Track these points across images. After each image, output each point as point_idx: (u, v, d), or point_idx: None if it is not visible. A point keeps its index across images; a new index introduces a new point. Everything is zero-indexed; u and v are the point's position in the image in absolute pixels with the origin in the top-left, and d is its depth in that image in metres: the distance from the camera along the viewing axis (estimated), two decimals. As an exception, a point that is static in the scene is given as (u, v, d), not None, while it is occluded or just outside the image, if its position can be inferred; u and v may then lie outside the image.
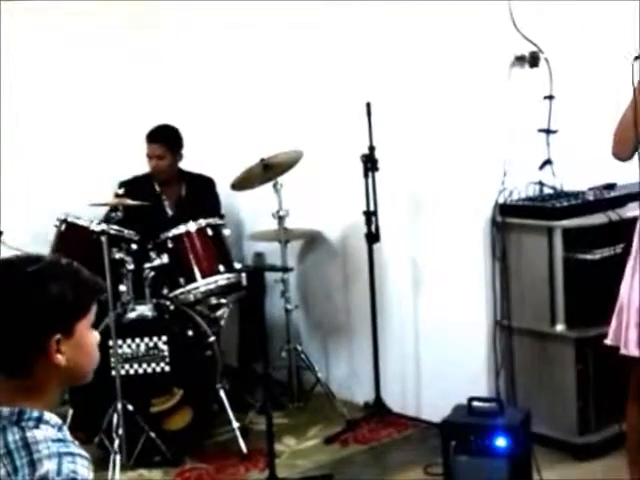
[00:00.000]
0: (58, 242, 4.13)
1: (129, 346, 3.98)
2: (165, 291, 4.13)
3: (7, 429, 1.55)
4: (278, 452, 3.88)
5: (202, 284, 4.11)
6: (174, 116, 4.71)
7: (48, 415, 1.58)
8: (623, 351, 3.06)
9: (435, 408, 3.83)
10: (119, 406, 3.83)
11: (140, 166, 4.62)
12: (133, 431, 3.88)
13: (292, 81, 4.64)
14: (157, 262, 4.08)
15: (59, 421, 1.59)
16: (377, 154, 4.09)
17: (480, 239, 4.00)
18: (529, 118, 3.99)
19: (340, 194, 4.47)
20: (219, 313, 4.38)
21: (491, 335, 4.03)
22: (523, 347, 3.98)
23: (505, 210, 3.95)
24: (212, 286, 4.13)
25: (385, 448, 4.09)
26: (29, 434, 1.54)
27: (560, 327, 3.86)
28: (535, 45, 3.97)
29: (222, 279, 4.12)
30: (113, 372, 3.86)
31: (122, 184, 4.34)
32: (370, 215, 4.14)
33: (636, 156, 3.04)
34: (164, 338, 3.98)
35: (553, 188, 4.03)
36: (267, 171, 4.25)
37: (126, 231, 4.12)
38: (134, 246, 4.12)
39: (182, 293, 4.11)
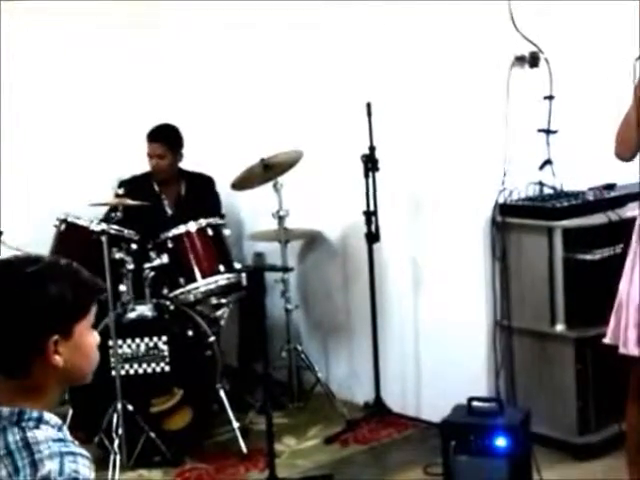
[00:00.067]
0: (58, 242, 4.13)
1: (129, 346, 3.98)
2: (165, 291, 4.13)
3: (7, 429, 1.55)
4: (278, 452, 3.88)
5: (202, 284, 4.11)
6: (174, 116, 4.71)
7: (48, 415, 1.58)
8: (622, 350, 3.06)
9: (435, 408, 3.83)
10: (119, 406, 3.83)
11: (140, 166, 4.62)
12: (133, 431, 3.88)
13: (292, 81, 4.64)
14: (157, 262, 4.08)
15: (59, 421, 1.59)
16: (377, 154, 4.09)
17: (480, 239, 4.01)
18: (529, 118, 3.99)
19: (340, 194, 4.47)
20: (219, 313, 4.38)
21: (491, 335, 4.03)
22: (523, 347, 3.98)
23: (505, 210, 3.96)
24: (212, 286, 4.13)
25: (385, 448, 4.09)
26: (30, 434, 1.54)
27: (560, 327, 3.86)
28: (535, 45, 3.97)
29: (222, 279, 4.13)
30: (113, 372, 3.86)
31: (122, 183, 4.34)
32: (370, 215, 4.14)
33: (637, 156, 3.05)
34: (164, 338, 3.99)
35: (553, 188, 4.04)
36: (267, 171, 4.25)
37: (126, 231, 4.11)
38: (134, 246, 4.11)
39: (182, 293, 4.11)
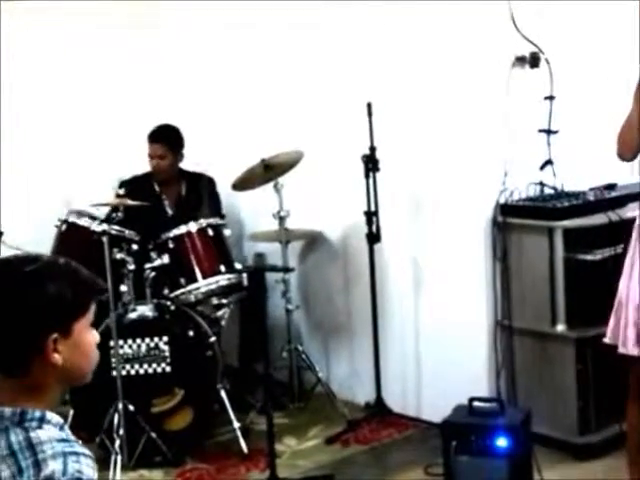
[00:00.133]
0: (59, 242, 4.13)
1: (130, 346, 3.98)
2: (166, 291, 4.13)
3: (10, 430, 1.55)
4: (279, 452, 3.88)
5: (203, 284, 4.11)
6: (174, 116, 4.71)
7: (50, 415, 1.58)
8: (621, 350, 3.07)
9: (436, 408, 3.83)
10: (120, 406, 3.83)
11: (140, 166, 4.62)
12: (134, 431, 3.88)
13: (293, 81, 4.64)
14: (158, 262, 4.08)
15: (60, 420, 1.59)
16: (378, 154, 4.09)
17: (481, 239, 4.01)
18: (530, 118, 3.99)
19: (341, 194, 4.47)
20: (220, 313, 4.39)
21: (492, 335, 4.03)
22: (524, 347, 3.98)
23: (506, 210, 3.96)
24: (213, 286, 4.13)
25: (386, 448, 4.09)
26: (33, 434, 1.54)
27: (561, 327, 3.86)
28: (535, 45, 3.97)
29: (223, 279, 4.13)
30: (114, 372, 3.86)
31: (122, 184, 4.34)
32: (371, 215, 4.14)
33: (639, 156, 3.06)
34: (165, 338, 3.99)
35: (554, 188, 4.04)
36: (268, 171, 4.25)
37: (127, 231, 4.12)
38: (135, 246, 4.12)
39: (183, 293, 4.11)
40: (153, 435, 3.91)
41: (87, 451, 1.56)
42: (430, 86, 4.06)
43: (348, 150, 4.24)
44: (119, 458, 3.78)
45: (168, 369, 3.99)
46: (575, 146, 4.03)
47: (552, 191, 4.03)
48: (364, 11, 4.25)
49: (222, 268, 4.13)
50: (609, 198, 3.97)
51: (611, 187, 4.07)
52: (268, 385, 3.83)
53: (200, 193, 4.65)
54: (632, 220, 3.14)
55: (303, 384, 4.62)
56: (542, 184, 4.04)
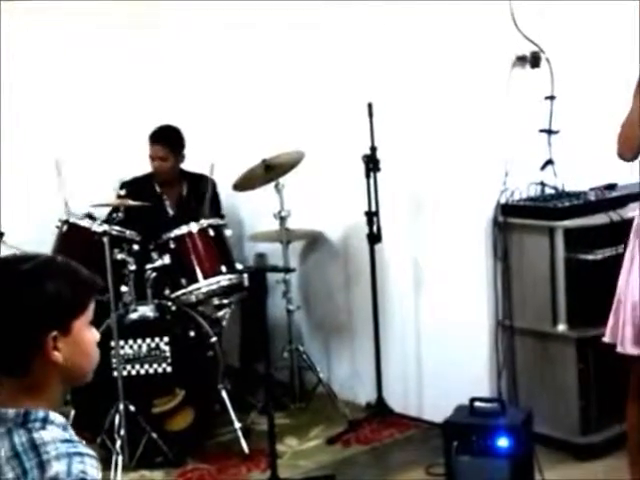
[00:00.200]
0: (60, 243, 4.12)
1: (131, 347, 3.98)
2: (167, 292, 4.13)
3: (13, 431, 1.55)
4: (280, 452, 3.88)
5: (204, 285, 4.11)
6: (175, 116, 4.71)
7: (53, 415, 1.58)
8: (619, 349, 3.07)
9: (437, 408, 3.84)
10: (121, 407, 3.83)
11: (141, 166, 4.62)
12: (135, 432, 3.88)
13: (293, 81, 4.64)
14: (159, 263, 4.08)
15: (64, 421, 1.59)
16: (379, 154, 4.09)
17: (482, 239, 4.01)
18: (530, 118, 3.99)
19: (342, 195, 4.47)
20: (221, 314, 4.39)
21: (493, 335, 4.03)
22: (525, 347, 3.98)
23: (507, 210, 3.96)
24: (214, 287, 4.13)
25: (387, 448, 4.09)
26: (36, 435, 1.54)
27: (562, 327, 3.86)
28: (536, 45, 3.97)
29: (224, 280, 4.13)
30: (115, 373, 3.86)
31: (123, 185, 4.34)
32: (372, 215, 4.14)
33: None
34: (166, 339, 3.99)
35: (554, 188, 4.04)
36: (269, 172, 4.25)
37: (128, 232, 4.12)
38: (136, 247, 4.12)
39: (184, 294, 4.11)
40: (154, 435, 3.91)
41: (91, 452, 1.56)
42: (431, 86, 4.06)
43: (349, 150, 4.24)
44: (120, 458, 3.77)
45: (169, 369, 3.99)
46: (576, 146, 4.03)
47: (553, 191, 4.03)
48: (364, 11, 4.25)
49: (223, 268, 4.13)
50: (610, 198, 3.97)
51: (612, 187, 4.07)
52: (269, 385, 3.84)
53: (201, 194, 4.64)
54: (632, 220, 3.14)
55: (304, 384, 4.62)
56: (543, 184, 4.04)
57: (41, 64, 4.77)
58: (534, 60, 3.99)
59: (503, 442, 3.34)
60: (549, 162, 4.04)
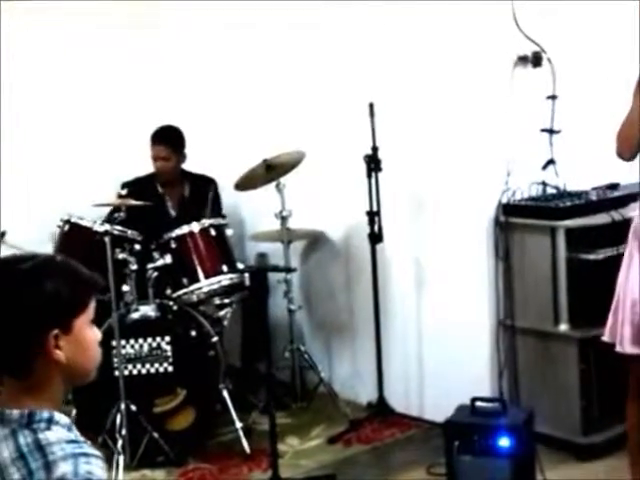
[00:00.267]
0: (61, 242, 4.12)
1: (132, 346, 3.98)
2: (168, 291, 4.12)
3: (18, 432, 1.55)
4: (281, 452, 3.88)
5: (205, 284, 4.11)
6: (176, 116, 4.71)
7: (58, 415, 1.58)
8: (618, 349, 3.08)
9: (438, 408, 3.84)
10: (122, 406, 3.83)
11: (142, 166, 4.62)
12: (136, 431, 3.88)
13: (294, 81, 4.64)
14: (160, 262, 4.08)
15: (68, 421, 1.59)
16: (380, 154, 4.09)
17: (483, 239, 4.01)
18: (532, 118, 3.99)
19: (343, 194, 4.47)
20: (222, 313, 4.39)
21: (494, 335, 4.03)
22: (526, 347, 3.98)
23: (508, 210, 3.96)
24: (215, 286, 4.13)
25: (388, 448, 4.09)
26: (41, 436, 1.54)
27: (563, 327, 3.86)
28: (538, 45, 3.97)
29: (225, 279, 4.12)
30: (116, 372, 3.86)
31: (124, 185, 4.33)
32: (373, 215, 4.14)
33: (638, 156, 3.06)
34: (167, 338, 3.99)
35: (556, 188, 4.03)
36: (270, 171, 4.24)
37: (129, 231, 4.11)
38: (137, 246, 4.11)
39: (185, 293, 4.11)
40: (155, 435, 3.90)
41: (96, 452, 1.55)
42: (432, 86, 4.06)
43: (350, 150, 4.24)
44: (121, 458, 3.77)
45: (170, 369, 3.99)
46: (577, 145, 4.03)
47: (554, 191, 4.03)
48: (365, 11, 4.25)
49: (224, 268, 4.13)
50: (611, 198, 3.97)
51: (613, 187, 4.07)
52: (270, 385, 3.83)
53: (203, 194, 4.65)
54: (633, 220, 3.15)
55: (305, 384, 4.62)
56: (544, 184, 4.04)
57: (41, 64, 4.77)
58: (536, 60, 3.99)
59: (504, 442, 3.34)
60: (551, 162, 4.04)
